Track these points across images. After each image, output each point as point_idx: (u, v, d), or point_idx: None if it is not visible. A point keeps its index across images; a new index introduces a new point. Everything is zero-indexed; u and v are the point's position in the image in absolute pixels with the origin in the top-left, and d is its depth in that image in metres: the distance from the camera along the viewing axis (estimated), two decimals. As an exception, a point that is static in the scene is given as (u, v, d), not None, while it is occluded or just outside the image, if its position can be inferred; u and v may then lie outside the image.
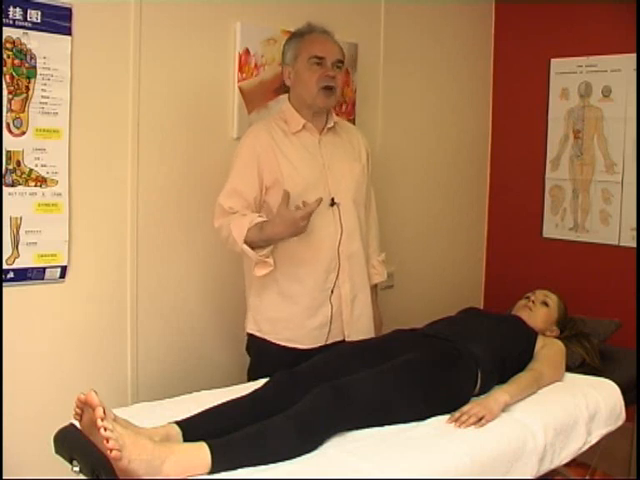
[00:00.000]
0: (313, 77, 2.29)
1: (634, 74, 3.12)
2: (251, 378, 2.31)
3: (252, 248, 2.18)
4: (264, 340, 2.38)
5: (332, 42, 2.35)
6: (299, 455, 1.69)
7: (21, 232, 2.17)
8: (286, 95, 2.48)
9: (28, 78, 2.13)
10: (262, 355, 2.41)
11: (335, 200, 2.31)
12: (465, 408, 1.96)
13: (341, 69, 2.34)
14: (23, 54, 2.11)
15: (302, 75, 2.31)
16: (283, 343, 2.35)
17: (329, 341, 2.36)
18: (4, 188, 2.11)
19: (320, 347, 2.33)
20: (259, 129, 2.36)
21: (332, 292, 2.34)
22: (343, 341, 2.37)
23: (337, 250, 2.32)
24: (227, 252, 2.59)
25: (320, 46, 2.30)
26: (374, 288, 2.59)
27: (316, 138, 2.37)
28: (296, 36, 2.37)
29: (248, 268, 2.38)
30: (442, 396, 2.00)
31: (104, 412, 1.53)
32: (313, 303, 2.34)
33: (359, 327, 2.40)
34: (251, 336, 2.43)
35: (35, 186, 2.18)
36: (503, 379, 2.16)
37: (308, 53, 2.29)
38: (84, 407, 1.60)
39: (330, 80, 2.29)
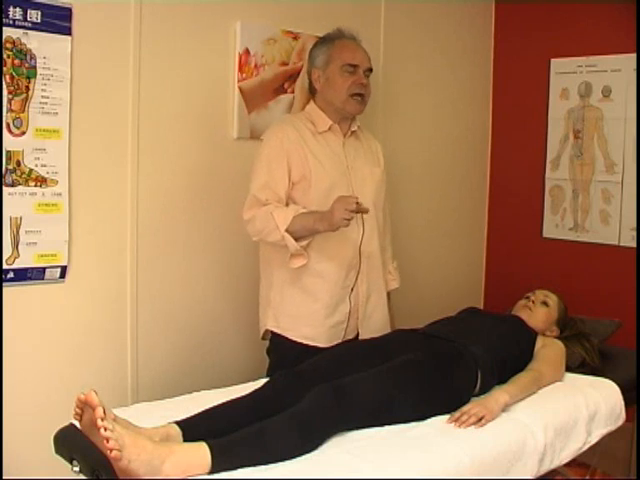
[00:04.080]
0: (345, 84, 2.33)
1: (634, 74, 3.11)
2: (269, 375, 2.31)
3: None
4: (284, 337, 2.39)
5: (362, 50, 2.39)
6: (299, 455, 1.69)
7: (21, 232, 2.17)
8: (286, 95, 2.49)
9: (28, 78, 2.13)
10: (282, 354, 2.41)
11: (359, 201, 2.32)
12: (465, 408, 1.96)
13: (369, 77, 2.38)
14: (23, 54, 2.11)
15: (334, 81, 2.35)
16: (301, 340, 2.36)
17: (345, 339, 2.38)
18: (4, 188, 2.11)
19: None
20: (286, 125, 2.37)
21: (352, 290, 2.37)
22: (356, 338, 2.40)
23: (359, 249, 2.35)
24: (228, 251, 2.60)
25: (353, 54, 2.35)
26: (389, 294, 2.61)
27: (340, 140, 2.40)
28: (326, 41, 2.40)
29: (266, 265, 2.40)
30: (442, 396, 2.00)
31: (104, 412, 1.53)
32: (332, 300, 2.36)
33: (371, 326, 2.42)
34: (272, 335, 2.43)
35: (35, 186, 2.18)
36: (503, 379, 2.16)
37: (342, 60, 2.34)
38: (84, 407, 1.60)
39: (362, 88, 2.34)
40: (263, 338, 2.46)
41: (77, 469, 1.66)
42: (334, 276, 2.34)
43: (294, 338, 2.37)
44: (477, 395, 2.10)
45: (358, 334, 2.42)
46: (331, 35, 2.41)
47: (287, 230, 2.19)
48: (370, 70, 2.38)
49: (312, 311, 2.35)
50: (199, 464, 1.60)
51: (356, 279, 2.37)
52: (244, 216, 2.30)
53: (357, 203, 2.11)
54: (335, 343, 2.35)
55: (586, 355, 2.46)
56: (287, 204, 2.31)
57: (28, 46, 2.11)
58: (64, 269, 2.27)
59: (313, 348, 2.33)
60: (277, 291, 2.40)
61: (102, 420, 1.51)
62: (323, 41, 2.42)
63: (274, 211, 2.22)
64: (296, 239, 2.21)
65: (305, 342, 2.36)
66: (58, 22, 2.16)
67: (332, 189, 2.30)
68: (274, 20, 2.68)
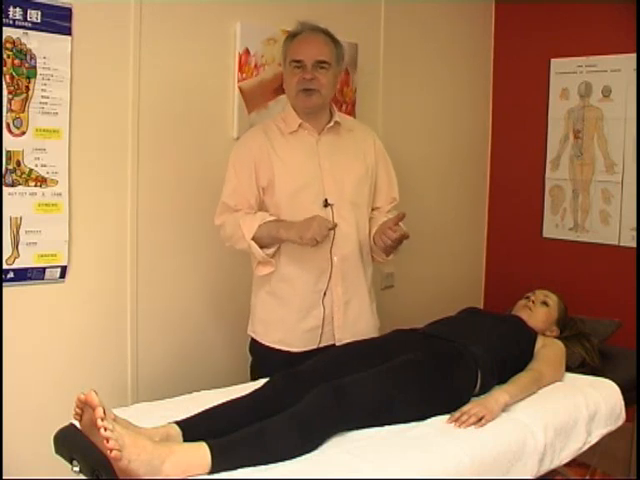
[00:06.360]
0: (293, 80, 2.29)
1: (634, 74, 3.12)
2: (253, 380, 2.31)
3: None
4: (258, 343, 2.39)
5: (316, 42, 2.29)
6: (299, 455, 1.69)
7: (21, 232, 2.17)
8: (285, 95, 2.47)
9: (28, 78, 2.13)
10: (257, 358, 2.42)
11: (329, 201, 2.28)
12: (465, 408, 1.96)
13: (326, 69, 2.28)
14: (23, 54, 2.11)
15: (286, 79, 2.34)
16: (274, 345, 2.35)
17: (321, 344, 2.33)
18: (4, 188, 2.12)
19: (311, 350, 2.30)
20: (256, 131, 2.37)
21: (325, 294, 2.32)
22: (334, 345, 2.34)
23: (329, 252, 2.28)
24: (227, 252, 2.59)
25: (300, 49, 2.28)
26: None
27: (314, 138, 2.35)
28: (287, 39, 2.35)
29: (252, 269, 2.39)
30: (442, 396, 2.00)
31: (104, 412, 1.53)
32: (304, 305, 2.32)
33: (355, 331, 2.34)
34: (251, 340, 2.44)
35: (35, 186, 2.18)
36: (503, 379, 2.15)
37: (290, 57, 2.30)
38: (84, 407, 1.60)
39: (307, 83, 2.26)
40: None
41: (77, 469, 1.66)
42: (302, 280, 2.30)
43: (267, 343, 2.36)
44: (477, 395, 2.09)
45: (336, 340, 2.34)
46: (292, 32, 2.34)
47: (253, 238, 2.20)
48: (323, 62, 2.26)
49: (283, 316, 2.33)
50: (199, 464, 1.60)
51: (328, 283, 2.31)
52: (215, 222, 2.31)
53: (330, 228, 2.15)
54: (309, 348, 2.31)
55: (586, 355, 2.46)
56: (260, 209, 2.30)
57: (28, 46, 2.11)
58: (64, 269, 2.27)
59: (286, 352, 2.32)
60: (254, 295, 2.41)
61: (102, 420, 1.51)
62: (285, 40, 2.37)
63: (241, 219, 2.23)
64: (263, 247, 2.22)
65: (279, 347, 2.33)
66: (58, 22, 2.16)
67: (300, 190, 2.28)
68: (274, 20, 2.68)
